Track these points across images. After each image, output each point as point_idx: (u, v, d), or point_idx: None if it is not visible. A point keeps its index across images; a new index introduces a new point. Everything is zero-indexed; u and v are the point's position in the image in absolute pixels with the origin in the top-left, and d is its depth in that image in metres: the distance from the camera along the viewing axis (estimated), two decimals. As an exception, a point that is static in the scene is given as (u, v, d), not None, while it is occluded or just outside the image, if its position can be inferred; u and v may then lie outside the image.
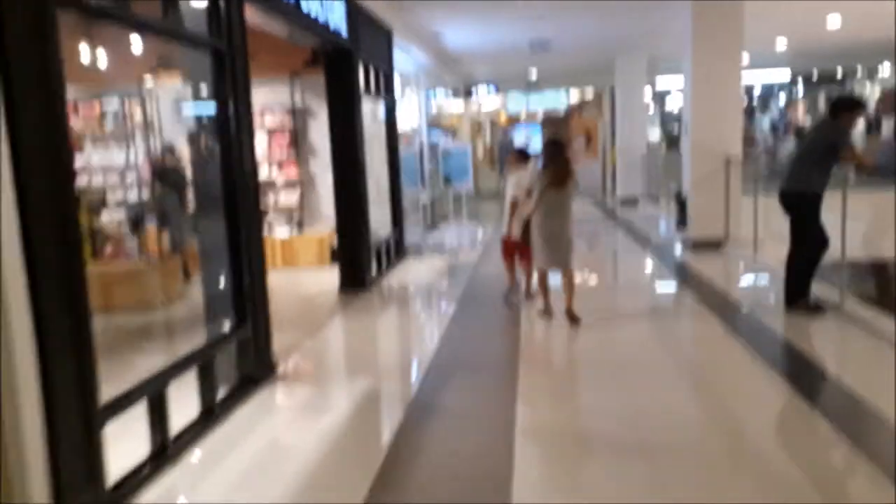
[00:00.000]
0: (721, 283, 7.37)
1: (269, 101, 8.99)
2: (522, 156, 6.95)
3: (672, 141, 20.92)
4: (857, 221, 5.87)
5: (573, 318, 5.73)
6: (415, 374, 4.89)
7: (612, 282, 8.32)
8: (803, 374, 4.55)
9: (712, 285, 7.17)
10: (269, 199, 9.08)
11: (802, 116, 22.68)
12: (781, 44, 15.04)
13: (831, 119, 5.62)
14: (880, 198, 7.65)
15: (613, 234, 12.06)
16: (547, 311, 5.96)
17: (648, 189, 15.25)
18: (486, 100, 21.80)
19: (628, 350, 5.17)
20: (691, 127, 8.93)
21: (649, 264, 9.13)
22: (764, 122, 22.70)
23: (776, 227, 8.42)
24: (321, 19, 6.12)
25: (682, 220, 9.30)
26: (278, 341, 5.49)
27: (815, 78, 21.34)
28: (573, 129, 20.28)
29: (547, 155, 5.95)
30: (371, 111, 8.54)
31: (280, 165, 9.04)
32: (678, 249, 9.32)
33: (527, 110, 23.60)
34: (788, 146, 19.57)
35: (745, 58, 9.04)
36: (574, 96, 23.62)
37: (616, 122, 16.82)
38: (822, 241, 5.53)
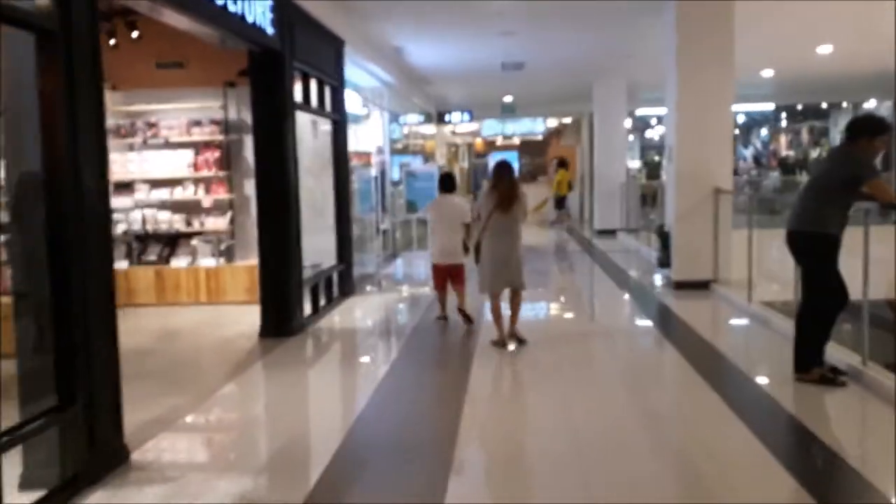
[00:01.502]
0: (711, 334, 6.30)
1: (198, 113, 7.85)
2: (446, 183, 6.91)
3: (653, 170, 20.13)
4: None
5: (519, 340, 5.69)
6: (319, 462, 3.69)
7: (583, 330, 7.07)
8: (824, 474, 3.46)
9: (701, 338, 6.09)
10: (194, 223, 7.90)
11: (786, 147, 22.08)
12: (767, 75, 14.26)
13: (848, 145, 4.61)
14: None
15: (589, 270, 11.01)
16: (501, 341, 5.72)
17: (627, 220, 14.28)
18: (461, 125, 20.90)
19: (599, 434, 4.02)
20: (676, 155, 7.93)
21: (627, 309, 8.05)
22: (747, 153, 22.03)
23: (771, 265, 7.43)
24: (233, 10, 5.02)
25: (664, 258, 8.26)
26: (159, 407, 4.36)
27: (799, 108, 20.75)
28: (551, 155, 19.44)
29: (494, 178, 5.84)
30: (312, 127, 7.45)
31: (208, 185, 7.87)
32: (660, 290, 8.26)
33: (503, 136, 22.73)
34: (773, 177, 18.91)
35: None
36: (551, 124, 22.84)
37: (594, 149, 15.90)
38: (839, 294, 4.47)
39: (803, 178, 18.60)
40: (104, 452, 3.34)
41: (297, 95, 6.81)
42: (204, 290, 7.91)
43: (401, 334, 6.89)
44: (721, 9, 7.66)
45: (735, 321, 6.91)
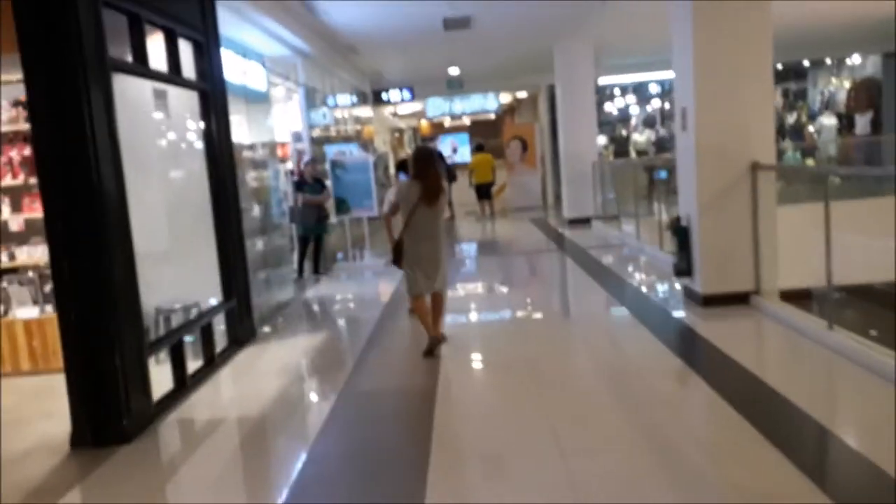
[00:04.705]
0: (770, 376, 4.04)
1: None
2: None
3: (620, 146, 18.05)
4: None
5: (439, 340, 5.24)
6: None
7: (572, 368, 4.77)
8: None
9: (759, 385, 3.88)
10: (1, 256, 5.33)
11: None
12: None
13: None
14: None
15: (565, 273, 8.76)
16: (431, 347, 5.13)
17: (604, 207, 12.10)
18: (402, 105, 18.43)
19: None
20: (696, 121, 5.66)
21: (644, 341, 5.58)
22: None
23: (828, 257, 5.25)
24: None
25: (683, 262, 6.01)
26: None
27: (778, 68, 18.84)
28: (506, 135, 17.14)
29: (417, 166, 5.29)
30: (157, 102, 4.96)
31: (16, 199, 5.30)
32: (678, 306, 6.04)
33: (451, 117, 20.33)
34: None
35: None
36: (505, 100, 20.56)
37: (558, 125, 13.61)
38: None
39: (786, 145, 16.76)
40: None
41: (123, 52, 4.32)
42: (25, 353, 5.38)
43: (318, 412, 4.46)
44: None
45: (807, 356, 4.66)
